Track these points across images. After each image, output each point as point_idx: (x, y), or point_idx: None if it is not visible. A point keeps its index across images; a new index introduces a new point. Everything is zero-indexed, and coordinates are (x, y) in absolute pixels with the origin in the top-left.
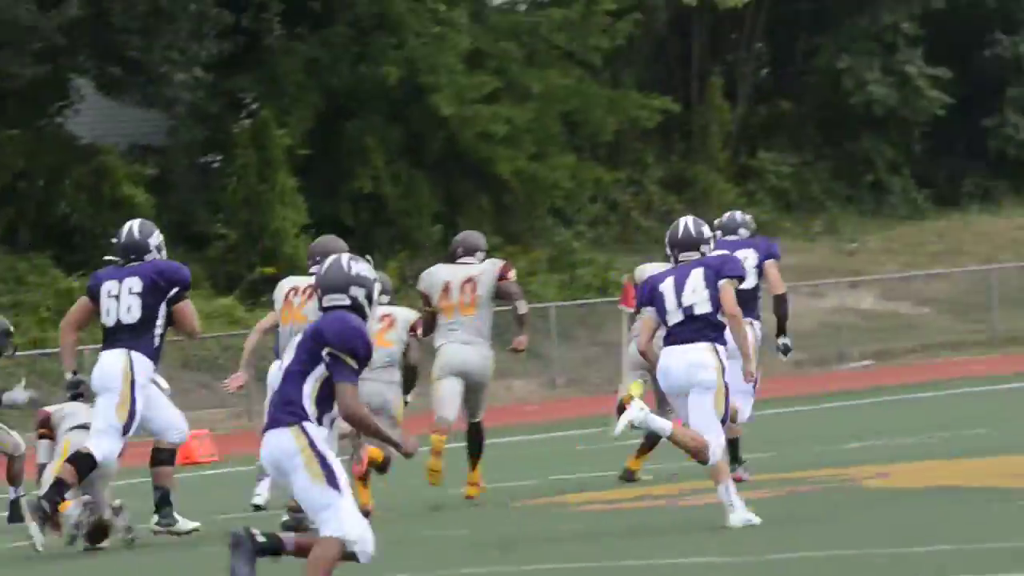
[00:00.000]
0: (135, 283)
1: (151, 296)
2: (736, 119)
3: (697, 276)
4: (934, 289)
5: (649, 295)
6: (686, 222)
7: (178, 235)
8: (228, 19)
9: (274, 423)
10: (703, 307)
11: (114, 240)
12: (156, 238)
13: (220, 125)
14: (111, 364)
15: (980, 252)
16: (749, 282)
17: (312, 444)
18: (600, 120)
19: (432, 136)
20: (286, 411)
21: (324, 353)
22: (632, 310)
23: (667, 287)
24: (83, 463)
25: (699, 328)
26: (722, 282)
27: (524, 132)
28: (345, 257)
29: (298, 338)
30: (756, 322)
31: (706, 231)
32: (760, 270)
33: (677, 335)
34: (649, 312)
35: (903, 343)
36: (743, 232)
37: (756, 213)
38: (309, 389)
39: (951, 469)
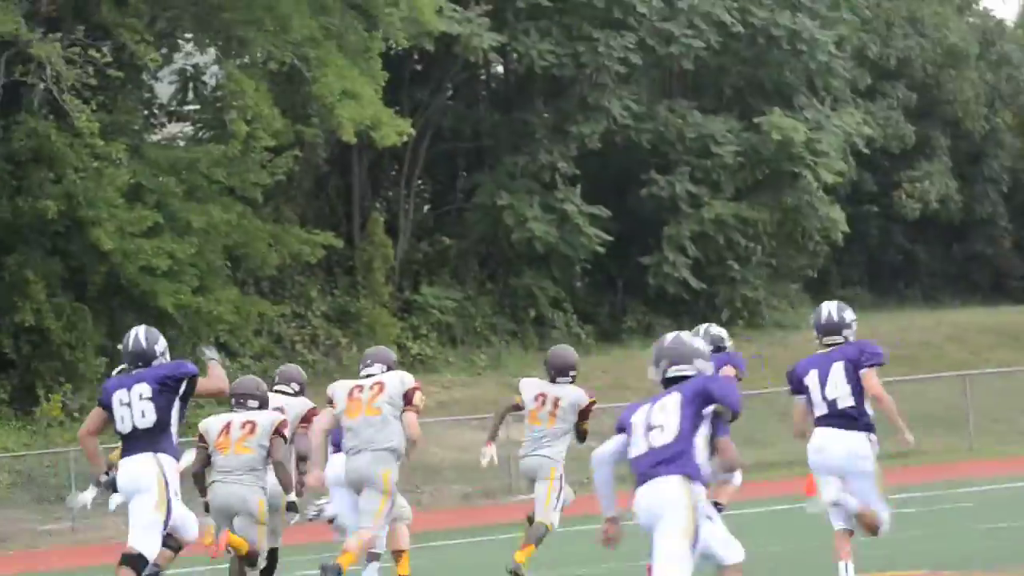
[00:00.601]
0: (144, 389)
1: (162, 398)
2: (399, 254)
3: (838, 371)
4: (601, 424)
5: (797, 385)
6: (829, 308)
7: None
8: None
9: (657, 472)
10: (846, 401)
11: (120, 347)
12: (161, 344)
13: None
14: (138, 468)
15: (643, 387)
16: None
17: (696, 508)
18: (263, 254)
19: (94, 269)
20: (677, 463)
21: (707, 410)
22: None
23: (812, 380)
24: (137, 563)
25: (849, 418)
26: (863, 371)
27: (187, 266)
28: (685, 334)
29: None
30: None
31: (848, 315)
32: None
33: (829, 422)
34: (800, 400)
35: (574, 476)
36: (721, 346)
37: (421, 347)
38: (702, 444)
39: None
